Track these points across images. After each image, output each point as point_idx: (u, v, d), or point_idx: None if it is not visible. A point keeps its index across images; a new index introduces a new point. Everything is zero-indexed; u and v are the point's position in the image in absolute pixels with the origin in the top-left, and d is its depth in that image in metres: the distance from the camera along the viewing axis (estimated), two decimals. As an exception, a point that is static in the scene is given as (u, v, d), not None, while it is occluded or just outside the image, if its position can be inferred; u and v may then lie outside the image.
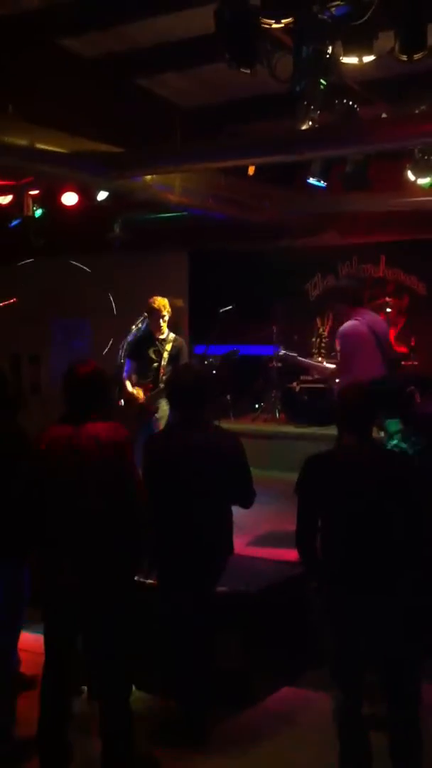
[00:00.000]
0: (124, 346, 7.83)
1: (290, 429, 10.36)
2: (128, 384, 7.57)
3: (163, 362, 7.51)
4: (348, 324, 6.23)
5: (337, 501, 3.80)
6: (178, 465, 4.54)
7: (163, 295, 7.72)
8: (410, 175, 8.16)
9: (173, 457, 4.57)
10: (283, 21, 5.00)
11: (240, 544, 4.94)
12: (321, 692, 4.57)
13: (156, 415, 7.44)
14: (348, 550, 3.75)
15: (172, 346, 7.56)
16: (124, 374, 7.65)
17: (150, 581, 4.69)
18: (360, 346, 6.21)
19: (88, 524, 3.89)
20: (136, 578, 4.28)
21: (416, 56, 5.09)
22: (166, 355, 7.53)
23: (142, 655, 4.37)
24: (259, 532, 6.67)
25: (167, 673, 4.69)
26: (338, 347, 6.53)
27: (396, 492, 3.80)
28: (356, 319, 6.25)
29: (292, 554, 5.05)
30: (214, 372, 10.06)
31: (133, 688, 4.33)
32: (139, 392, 7.50)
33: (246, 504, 4.68)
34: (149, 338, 7.64)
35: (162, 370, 7.48)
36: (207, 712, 4.55)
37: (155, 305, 7.54)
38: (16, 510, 4.12)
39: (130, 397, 7.50)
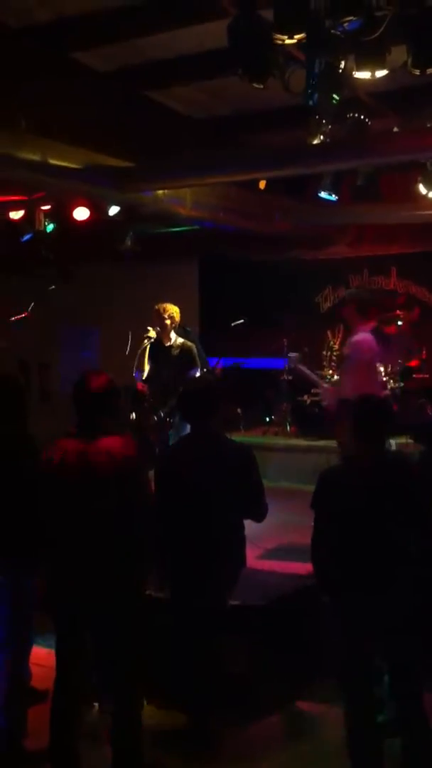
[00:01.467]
0: (137, 357, 7.86)
1: (301, 442, 10.37)
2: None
3: (170, 369, 7.51)
4: (366, 336, 6.64)
5: (351, 513, 3.82)
6: (188, 477, 4.53)
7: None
8: (422, 189, 8.17)
9: (183, 470, 4.57)
10: (295, 36, 4.99)
11: (250, 557, 4.94)
12: (331, 705, 4.57)
13: (173, 429, 7.44)
14: (361, 559, 3.78)
15: (179, 351, 7.57)
16: (135, 375, 7.65)
17: (161, 595, 4.70)
18: (372, 360, 6.76)
19: (97, 538, 3.90)
20: (147, 592, 4.29)
21: (430, 70, 5.10)
22: (173, 360, 7.54)
23: (153, 667, 4.37)
24: (270, 544, 6.66)
25: (177, 684, 4.68)
26: (352, 355, 6.73)
27: (406, 501, 3.84)
28: (369, 333, 6.62)
29: (302, 567, 5.08)
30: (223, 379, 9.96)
31: (144, 701, 4.34)
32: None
33: (258, 518, 4.67)
34: (158, 346, 7.67)
35: (170, 379, 7.45)
36: (216, 724, 4.55)
37: (156, 308, 7.61)
38: (20, 512, 4.14)
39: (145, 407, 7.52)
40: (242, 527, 4.64)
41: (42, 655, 4.71)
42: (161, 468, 4.68)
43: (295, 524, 7.48)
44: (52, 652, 4.13)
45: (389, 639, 3.80)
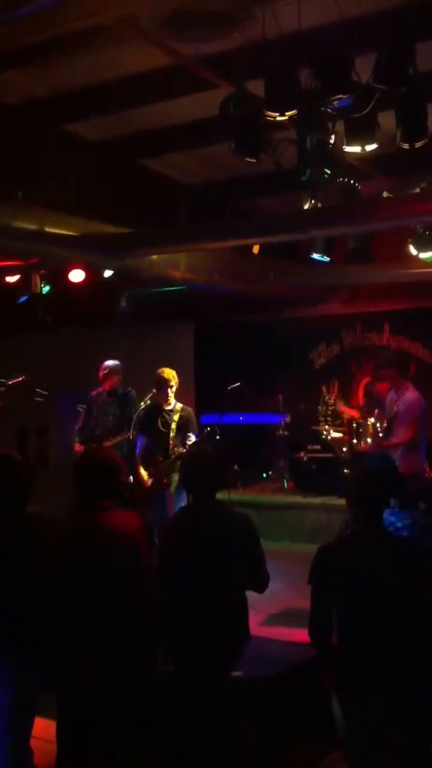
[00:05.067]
0: (134, 422, 7.92)
1: (299, 499, 10.35)
2: (141, 466, 7.68)
3: (172, 433, 7.65)
4: (417, 394, 7.27)
5: (348, 594, 3.79)
6: (192, 552, 4.51)
7: (170, 367, 7.88)
8: (412, 250, 8.28)
9: (187, 545, 4.55)
10: (286, 113, 5.12)
11: (253, 624, 4.89)
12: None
13: (169, 489, 7.52)
14: (361, 647, 3.72)
15: (180, 416, 7.69)
16: (137, 451, 7.75)
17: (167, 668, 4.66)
18: (424, 417, 7.30)
19: (103, 617, 3.88)
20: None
21: (418, 144, 5.22)
22: (174, 425, 7.65)
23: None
24: (272, 609, 6.60)
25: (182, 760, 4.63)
26: (406, 412, 7.24)
27: (407, 585, 3.80)
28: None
29: (305, 634, 5.03)
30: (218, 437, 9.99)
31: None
32: (146, 477, 7.60)
33: (260, 589, 4.65)
34: (157, 410, 7.74)
35: (171, 441, 7.61)
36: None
37: (164, 376, 7.68)
38: (20, 601, 4.10)
39: (141, 479, 7.60)
40: (245, 600, 4.63)
41: (41, 727, 4.52)
42: (164, 543, 4.67)
43: (295, 585, 7.44)
44: (50, 723, 4.07)
45: (405, 733, 3.72)
